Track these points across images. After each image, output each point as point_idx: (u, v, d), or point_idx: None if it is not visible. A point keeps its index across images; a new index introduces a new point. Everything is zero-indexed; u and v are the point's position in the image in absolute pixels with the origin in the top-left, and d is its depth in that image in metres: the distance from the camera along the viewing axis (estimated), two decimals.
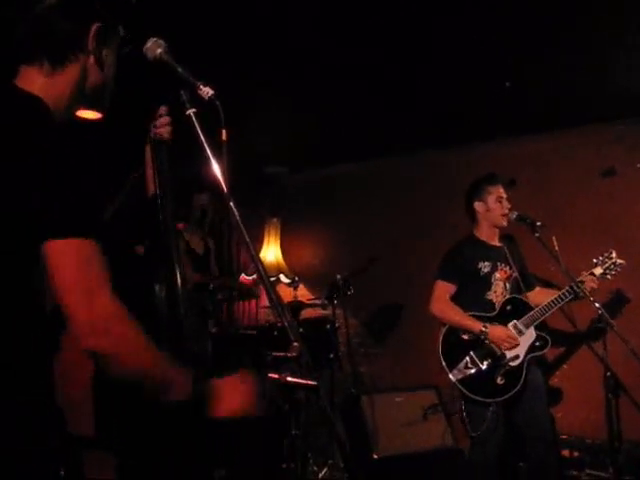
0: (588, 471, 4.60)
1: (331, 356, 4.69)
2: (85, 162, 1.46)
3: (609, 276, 4.01)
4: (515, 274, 4.07)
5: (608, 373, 3.80)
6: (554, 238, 3.82)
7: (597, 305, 3.70)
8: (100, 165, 1.49)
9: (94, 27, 1.59)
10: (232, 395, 1.58)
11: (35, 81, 1.54)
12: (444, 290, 4.07)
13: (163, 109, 1.95)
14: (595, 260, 4.03)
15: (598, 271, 3.98)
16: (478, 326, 3.90)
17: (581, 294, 3.82)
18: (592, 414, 4.60)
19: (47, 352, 1.46)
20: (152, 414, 1.68)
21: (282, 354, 4.13)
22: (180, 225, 4.34)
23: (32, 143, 1.40)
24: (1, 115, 1.44)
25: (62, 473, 1.46)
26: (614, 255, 4.02)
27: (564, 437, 4.89)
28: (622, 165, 5.10)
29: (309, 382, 1.50)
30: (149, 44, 1.68)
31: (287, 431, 4.00)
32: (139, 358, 1.42)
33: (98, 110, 1.73)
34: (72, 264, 1.36)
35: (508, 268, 4.07)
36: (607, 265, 4.00)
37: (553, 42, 3.91)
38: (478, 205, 4.14)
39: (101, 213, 1.54)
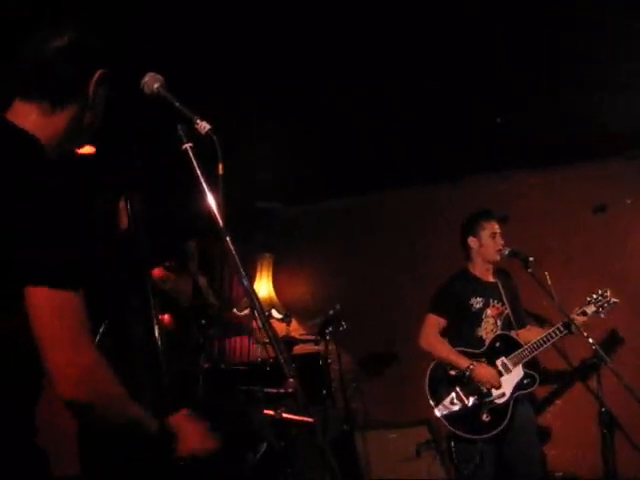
0: None
1: (324, 392, 4.64)
2: (79, 208, 1.41)
3: (602, 314, 3.99)
4: (507, 311, 4.05)
5: (603, 409, 3.77)
6: (547, 274, 3.81)
7: (591, 341, 3.67)
8: (97, 211, 1.45)
9: (98, 73, 1.58)
10: (191, 434, 1.57)
11: (29, 118, 1.51)
12: (434, 324, 4.06)
13: None
14: (588, 298, 4.00)
15: (591, 309, 3.95)
16: (465, 363, 3.88)
17: (574, 330, 3.80)
18: (587, 452, 4.55)
19: (30, 392, 1.43)
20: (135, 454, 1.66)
21: (275, 390, 4.09)
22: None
23: (23, 181, 1.36)
24: None
25: None
26: (609, 294, 3.99)
27: (559, 475, 4.83)
28: (612, 201, 5.15)
29: (306, 419, 1.47)
30: (147, 78, 1.68)
31: (282, 468, 3.94)
32: (115, 407, 1.42)
33: (81, 144, 1.68)
34: (50, 316, 1.32)
35: (500, 305, 4.06)
36: (601, 303, 3.97)
37: (545, 82, 3.97)
38: (472, 241, 4.13)
39: (89, 262, 1.47)
